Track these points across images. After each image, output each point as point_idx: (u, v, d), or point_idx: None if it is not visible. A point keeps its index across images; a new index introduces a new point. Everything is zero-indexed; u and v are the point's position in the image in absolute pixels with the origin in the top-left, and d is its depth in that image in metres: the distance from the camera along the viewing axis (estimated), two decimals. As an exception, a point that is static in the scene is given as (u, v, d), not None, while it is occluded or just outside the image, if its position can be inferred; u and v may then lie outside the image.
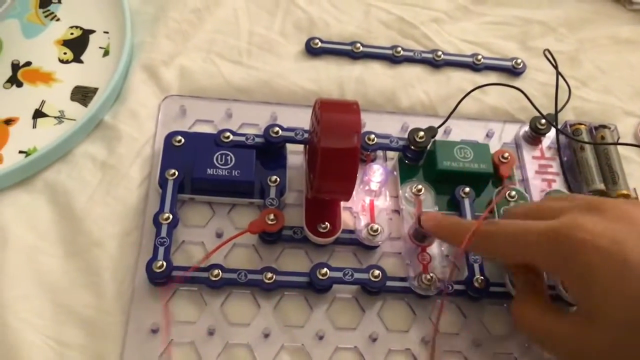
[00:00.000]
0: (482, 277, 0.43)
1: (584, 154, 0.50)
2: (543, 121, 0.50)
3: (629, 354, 0.33)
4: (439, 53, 0.55)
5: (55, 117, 0.48)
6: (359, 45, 0.55)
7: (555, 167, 0.51)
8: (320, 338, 0.42)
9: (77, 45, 0.52)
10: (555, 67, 0.52)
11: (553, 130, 0.51)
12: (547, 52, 0.53)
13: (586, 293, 0.34)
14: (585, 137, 0.51)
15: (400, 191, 0.47)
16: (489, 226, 0.39)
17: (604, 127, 0.52)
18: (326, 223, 0.44)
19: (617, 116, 0.55)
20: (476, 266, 0.44)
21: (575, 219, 0.35)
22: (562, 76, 0.53)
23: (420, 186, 0.46)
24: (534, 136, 0.51)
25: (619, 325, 0.33)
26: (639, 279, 0.32)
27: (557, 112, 0.51)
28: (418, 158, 0.49)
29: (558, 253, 0.35)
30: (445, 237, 0.43)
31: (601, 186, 0.48)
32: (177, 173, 0.45)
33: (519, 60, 0.56)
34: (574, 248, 0.34)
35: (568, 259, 0.35)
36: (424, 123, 0.49)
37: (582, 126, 0.51)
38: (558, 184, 0.50)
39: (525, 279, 0.40)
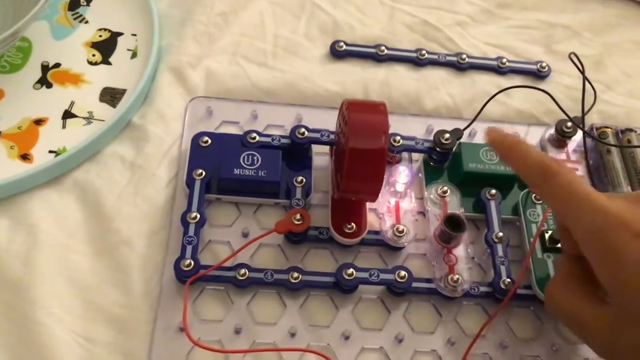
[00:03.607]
0: (508, 279, 0.43)
1: (611, 157, 0.50)
2: (569, 124, 0.50)
3: None
4: (464, 56, 0.55)
5: (84, 118, 0.48)
6: (383, 48, 0.55)
7: (581, 170, 0.50)
8: (346, 338, 0.42)
9: (105, 47, 0.52)
10: (582, 71, 0.52)
11: (578, 134, 0.51)
12: (572, 56, 0.53)
13: (620, 289, 0.33)
14: (611, 140, 0.50)
15: (426, 193, 0.47)
16: (561, 167, 0.36)
17: (630, 130, 0.51)
18: (352, 224, 0.44)
19: (643, 120, 0.55)
20: (503, 268, 0.44)
21: (622, 214, 0.33)
22: (587, 80, 0.52)
23: (445, 187, 0.46)
24: (560, 139, 0.51)
25: None
26: None
27: (584, 114, 0.51)
28: (443, 160, 0.49)
29: (596, 243, 0.34)
30: (508, 156, 0.39)
31: (627, 189, 0.48)
32: (204, 173, 0.45)
33: (543, 64, 0.56)
34: (612, 246, 0.33)
35: (604, 251, 0.33)
36: (448, 126, 0.49)
37: (609, 129, 0.51)
38: (584, 187, 0.49)
39: (569, 256, 0.38)
